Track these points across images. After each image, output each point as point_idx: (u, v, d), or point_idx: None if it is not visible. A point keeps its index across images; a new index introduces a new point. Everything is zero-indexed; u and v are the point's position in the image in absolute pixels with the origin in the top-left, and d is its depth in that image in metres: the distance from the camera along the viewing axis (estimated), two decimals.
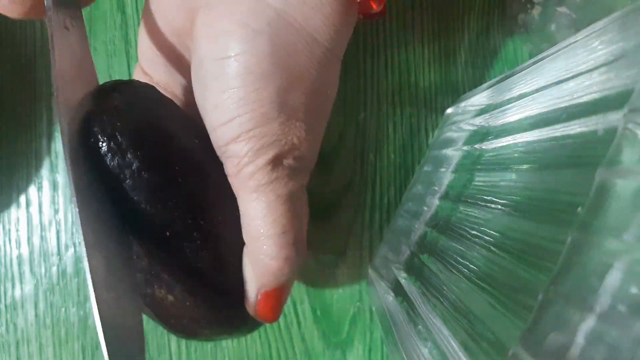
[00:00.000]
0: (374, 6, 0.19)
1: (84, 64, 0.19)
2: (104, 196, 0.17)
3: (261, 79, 0.18)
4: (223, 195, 0.20)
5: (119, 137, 0.17)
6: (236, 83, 0.18)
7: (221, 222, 0.20)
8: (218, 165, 0.20)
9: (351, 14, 0.19)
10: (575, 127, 0.15)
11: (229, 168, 0.20)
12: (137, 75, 0.24)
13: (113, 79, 0.20)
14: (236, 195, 0.20)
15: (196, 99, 0.20)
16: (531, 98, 0.20)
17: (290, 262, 0.20)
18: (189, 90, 0.22)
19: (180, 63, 0.22)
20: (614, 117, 0.13)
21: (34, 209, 0.31)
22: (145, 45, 0.22)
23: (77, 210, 0.16)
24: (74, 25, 0.19)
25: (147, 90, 0.20)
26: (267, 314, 0.21)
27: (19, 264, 0.31)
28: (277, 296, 0.21)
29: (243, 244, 0.21)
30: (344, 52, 0.20)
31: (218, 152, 0.20)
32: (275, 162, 0.19)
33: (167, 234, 0.18)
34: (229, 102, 0.18)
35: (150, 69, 0.23)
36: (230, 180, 0.20)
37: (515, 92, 0.22)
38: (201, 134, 0.20)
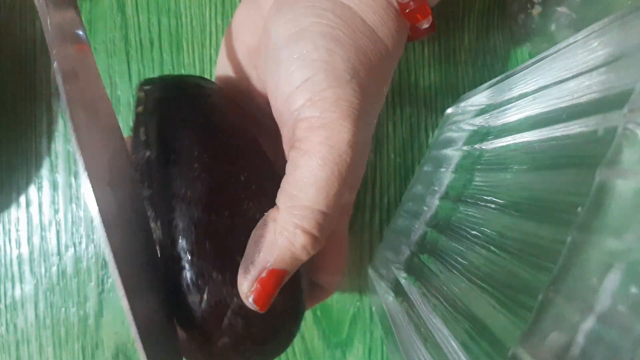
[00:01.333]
0: (420, 17, 0.20)
1: (99, 107, 0.18)
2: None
3: (333, 42, 0.18)
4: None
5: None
6: (310, 47, 0.18)
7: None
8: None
9: (402, 24, 0.20)
10: (575, 127, 0.15)
11: (299, 132, 0.19)
12: None
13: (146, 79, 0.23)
14: (290, 158, 0.19)
15: (268, 87, 0.21)
16: (531, 98, 0.20)
17: (313, 243, 0.18)
18: (251, 103, 0.25)
19: (247, 80, 0.25)
20: (614, 117, 0.13)
21: (34, 209, 0.31)
22: (221, 65, 0.26)
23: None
24: (83, 63, 0.18)
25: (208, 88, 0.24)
26: (264, 296, 0.18)
27: (19, 264, 0.31)
28: (278, 281, 0.18)
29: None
30: (398, 58, 0.21)
31: (287, 122, 0.19)
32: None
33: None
34: (302, 65, 0.18)
35: (223, 84, 0.26)
36: (294, 144, 0.19)
37: (515, 92, 0.22)
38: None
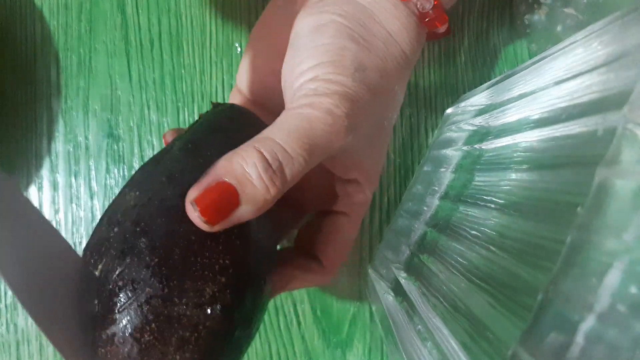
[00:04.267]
0: (438, 25, 0.22)
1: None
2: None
3: (348, 40, 0.21)
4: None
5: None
6: (327, 40, 0.21)
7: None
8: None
9: (422, 30, 0.23)
10: (575, 127, 0.15)
11: (294, 99, 0.20)
12: (234, 95, 0.29)
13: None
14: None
15: (283, 72, 0.22)
16: (531, 98, 0.20)
17: (266, 167, 0.18)
18: (276, 101, 0.25)
19: (275, 78, 0.25)
20: (614, 117, 0.13)
21: None
22: (245, 68, 0.27)
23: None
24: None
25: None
26: (210, 208, 0.18)
27: None
28: (224, 194, 0.18)
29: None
30: (415, 61, 0.23)
31: (290, 96, 0.21)
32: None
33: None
34: (317, 53, 0.21)
35: (248, 88, 0.28)
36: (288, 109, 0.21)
37: (515, 92, 0.22)
38: None
